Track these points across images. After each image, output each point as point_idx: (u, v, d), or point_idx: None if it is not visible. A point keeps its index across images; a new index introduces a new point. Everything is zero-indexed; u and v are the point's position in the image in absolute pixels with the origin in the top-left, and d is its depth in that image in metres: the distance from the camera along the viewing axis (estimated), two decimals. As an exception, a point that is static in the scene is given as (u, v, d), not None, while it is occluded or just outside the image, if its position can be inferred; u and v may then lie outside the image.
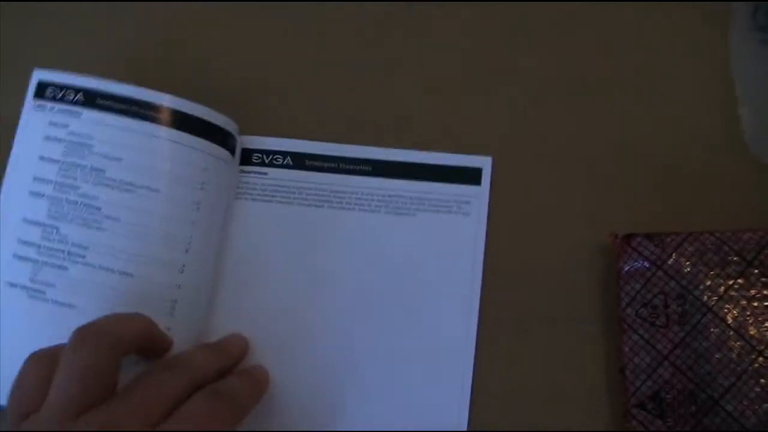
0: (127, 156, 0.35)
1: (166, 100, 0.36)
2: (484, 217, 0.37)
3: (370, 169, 0.38)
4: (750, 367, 0.32)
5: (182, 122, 0.36)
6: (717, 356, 0.33)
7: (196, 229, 0.36)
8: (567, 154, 0.38)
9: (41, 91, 0.36)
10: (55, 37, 0.43)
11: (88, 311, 0.33)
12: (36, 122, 0.36)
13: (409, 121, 0.39)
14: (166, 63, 0.42)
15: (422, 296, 0.36)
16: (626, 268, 0.35)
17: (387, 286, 0.37)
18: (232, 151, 0.38)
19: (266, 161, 0.39)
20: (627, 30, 0.39)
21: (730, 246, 0.34)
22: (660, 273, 0.34)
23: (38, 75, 0.37)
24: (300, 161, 0.39)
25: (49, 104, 0.36)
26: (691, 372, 0.33)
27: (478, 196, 0.37)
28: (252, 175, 0.39)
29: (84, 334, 0.29)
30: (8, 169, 0.36)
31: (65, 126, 0.36)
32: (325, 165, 0.38)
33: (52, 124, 0.36)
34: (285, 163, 0.39)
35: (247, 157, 0.39)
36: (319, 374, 0.36)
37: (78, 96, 0.36)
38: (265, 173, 0.39)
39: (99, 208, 0.35)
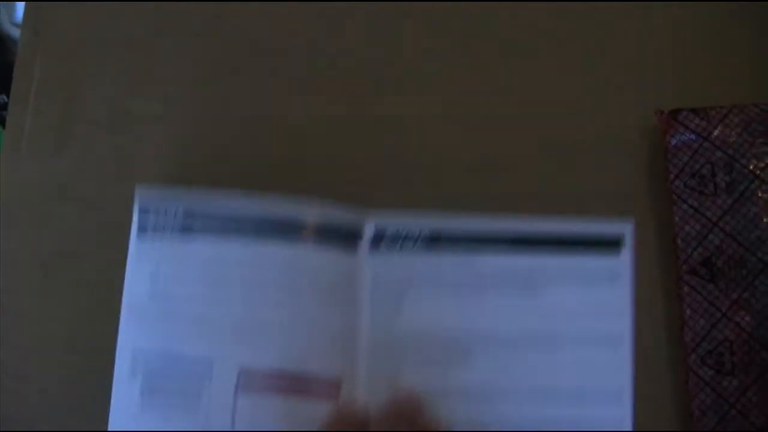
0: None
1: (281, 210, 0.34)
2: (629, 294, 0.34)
3: (507, 245, 0.35)
4: (799, 226, 0.33)
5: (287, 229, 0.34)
6: (766, 221, 0.34)
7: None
8: (612, 38, 0.39)
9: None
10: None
11: None
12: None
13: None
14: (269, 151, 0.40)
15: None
16: (673, 142, 0.36)
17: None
18: (355, 246, 0.35)
19: (397, 246, 0.35)
20: None
21: (775, 114, 0.35)
22: (707, 144, 0.35)
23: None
24: (432, 241, 0.35)
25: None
26: (740, 237, 0.34)
27: (622, 267, 0.34)
28: (383, 261, 0.35)
29: None
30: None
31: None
32: (460, 244, 0.35)
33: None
34: (417, 246, 0.35)
35: (378, 241, 0.35)
36: None
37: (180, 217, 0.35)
38: (397, 260, 0.35)
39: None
